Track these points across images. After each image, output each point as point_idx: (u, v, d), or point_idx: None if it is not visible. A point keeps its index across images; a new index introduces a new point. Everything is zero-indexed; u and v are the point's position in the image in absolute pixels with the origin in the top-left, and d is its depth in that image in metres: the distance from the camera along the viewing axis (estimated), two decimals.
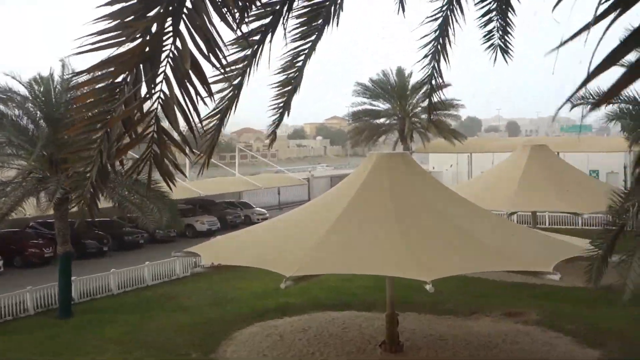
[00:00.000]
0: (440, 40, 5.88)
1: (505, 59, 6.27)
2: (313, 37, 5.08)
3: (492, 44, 6.20)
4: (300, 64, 5.32)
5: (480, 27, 6.09)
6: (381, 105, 37.77)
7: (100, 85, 3.21)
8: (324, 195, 14.02)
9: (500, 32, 6.13)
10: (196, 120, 3.53)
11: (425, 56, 6.08)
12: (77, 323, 15.97)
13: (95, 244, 26.62)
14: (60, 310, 16.79)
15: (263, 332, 14.26)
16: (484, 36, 6.15)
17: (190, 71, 3.11)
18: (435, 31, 5.85)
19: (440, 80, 6.37)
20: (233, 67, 4.47)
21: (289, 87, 5.47)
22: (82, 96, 3.37)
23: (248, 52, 4.44)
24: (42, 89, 16.27)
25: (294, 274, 10.27)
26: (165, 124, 3.54)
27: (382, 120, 38.09)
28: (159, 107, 3.34)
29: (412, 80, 37.28)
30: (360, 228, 11.47)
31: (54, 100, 16.21)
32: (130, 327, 15.27)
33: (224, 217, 33.90)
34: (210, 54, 3.12)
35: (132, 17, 3.03)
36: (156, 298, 18.45)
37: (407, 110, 37.09)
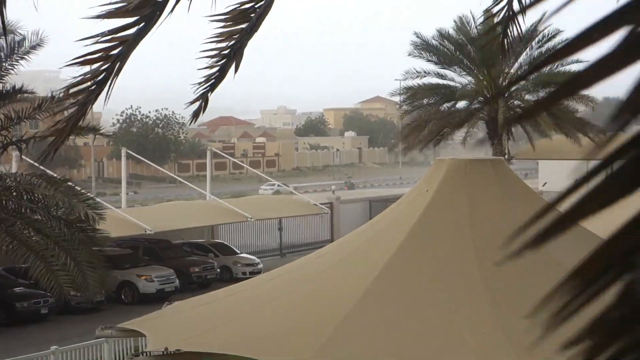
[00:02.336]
0: None
1: None
2: None
3: None
4: None
5: None
6: (456, 79, 37.71)
7: None
8: (357, 233, 13.95)
9: None
10: None
11: None
12: None
13: None
14: None
15: None
16: None
17: None
18: None
19: None
20: None
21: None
22: None
23: None
24: None
25: None
26: None
27: (456, 103, 38.02)
28: None
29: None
30: (417, 293, 11.36)
31: None
32: None
33: (186, 270, 34.00)
34: None
35: None
36: None
37: (500, 86, 37.00)
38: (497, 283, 11.30)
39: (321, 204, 44.05)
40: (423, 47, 36.76)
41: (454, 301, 11.16)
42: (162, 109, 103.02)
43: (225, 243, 39.20)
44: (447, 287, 11.41)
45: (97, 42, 5.22)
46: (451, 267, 11.67)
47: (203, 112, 6.30)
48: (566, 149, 37.82)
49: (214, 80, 6.12)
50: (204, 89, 6.12)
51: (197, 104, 6.26)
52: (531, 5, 1.72)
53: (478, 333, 10.59)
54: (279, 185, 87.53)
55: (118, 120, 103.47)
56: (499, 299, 11.04)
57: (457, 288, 11.33)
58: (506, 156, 35.13)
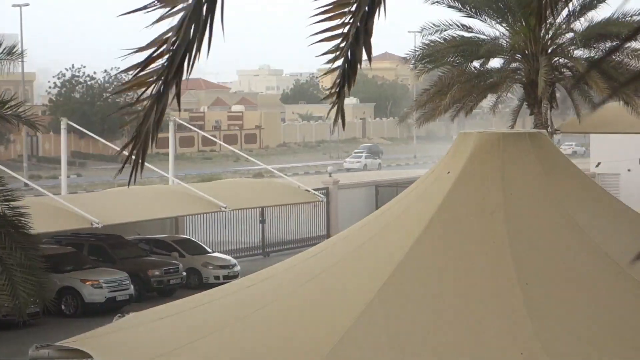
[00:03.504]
0: None
1: None
2: None
3: None
4: None
5: None
6: (487, 30, 37.61)
7: None
8: (360, 227, 13.95)
9: None
10: None
11: None
12: None
13: None
14: None
15: None
16: None
17: None
18: None
19: None
20: None
21: None
22: None
23: None
24: None
25: None
26: None
27: (487, 62, 37.94)
28: None
29: None
30: (437, 303, 11.37)
31: None
32: None
33: (144, 273, 33.99)
34: None
35: None
36: None
37: (541, 41, 36.95)
38: (537, 289, 11.32)
39: (314, 189, 44.05)
40: None
41: (484, 312, 11.17)
42: (111, 69, 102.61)
43: (193, 239, 39.19)
44: (475, 295, 11.41)
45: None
46: (481, 271, 11.66)
47: (343, 124, 6.74)
48: (626, 120, 37.76)
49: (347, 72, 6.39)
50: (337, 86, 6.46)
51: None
52: None
53: (514, 351, 10.62)
54: (366, 157, 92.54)
55: (56, 83, 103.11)
56: (539, 309, 11.05)
57: (489, 298, 11.33)
58: (549, 129, 35.11)
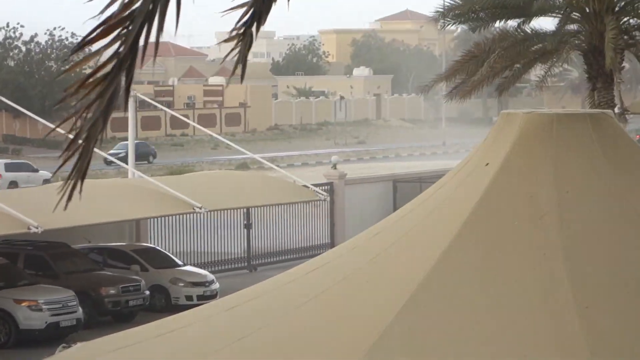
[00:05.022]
0: None
1: None
2: None
3: None
4: None
5: None
6: None
7: None
8: (374, 233, 13.98)
9: None
10: None
11: None
12: None
13: None
14: None
15: None
16: None
17: None
18: None
19: None
20: None
21: None
22: None
23: None
24: None
25: None
26: None
27: (531, 20, 38.03)
28: None
29: None
30: (471, 332, 11.41)
31: None
32: None
33: (96, 291, 34.11)
34: None
35: None
36: None
37: None
38: (599, 314, 11.36)
39: (315, 185, 44.19)
40: None
41: (533, 342, 11.20)
42: (56, 29, 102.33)
43: (159, 249, 39.30)
44: (521, 322, 11.43)
45: None
46: (528, 291, 11.67)
47: (242, 76, 6.48)
48: None
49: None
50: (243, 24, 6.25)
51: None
52: None
53: None
54: None
55: None
56: (602, 339, 11.09)
57: (538, 325, 11.36)
58: (616, 109, 35.15)
